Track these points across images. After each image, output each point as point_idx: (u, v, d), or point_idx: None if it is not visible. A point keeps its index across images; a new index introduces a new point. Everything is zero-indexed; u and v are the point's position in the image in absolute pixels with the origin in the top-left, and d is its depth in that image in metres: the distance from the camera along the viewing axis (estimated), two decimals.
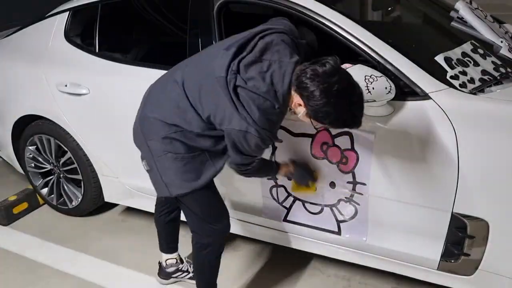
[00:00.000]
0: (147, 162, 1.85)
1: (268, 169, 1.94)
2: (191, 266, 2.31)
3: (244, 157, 1.72)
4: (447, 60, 1.84)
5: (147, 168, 1.87)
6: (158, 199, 2.20)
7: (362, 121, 1.56)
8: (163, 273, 2.32)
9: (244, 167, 1.77)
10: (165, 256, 2.30)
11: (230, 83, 1.59)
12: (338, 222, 2.05)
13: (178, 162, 1.76)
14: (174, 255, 2.30)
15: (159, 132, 1.76)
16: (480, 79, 1.82)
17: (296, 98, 1.58)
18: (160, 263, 2.33)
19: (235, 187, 2.25)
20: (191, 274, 2.30)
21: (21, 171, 3.11)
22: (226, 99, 1.59)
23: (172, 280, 2.34)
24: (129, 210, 2.94)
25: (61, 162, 2.83)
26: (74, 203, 2.89)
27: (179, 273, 2.32)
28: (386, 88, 1.68)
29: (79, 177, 2.78)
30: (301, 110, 1.58)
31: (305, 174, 1.98)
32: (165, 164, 1.78)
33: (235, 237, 2.43)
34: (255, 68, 1.60)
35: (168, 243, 2.28)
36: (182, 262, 2.33)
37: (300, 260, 2.46)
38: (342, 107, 1.50)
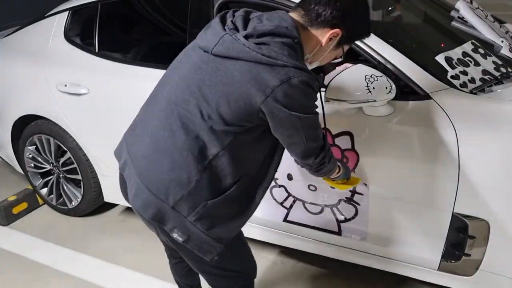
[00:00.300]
0: (181, 230, 1.39)
1: (335, 161, 1.59)
2: None
3: (316, 125, 1.38)
4: (448, 59, 1.84)
5: (183, 238, 1.40)
6: None
7: None
8: None
9: (320, 153, 1.43)
10: None
11: (237, 36, 1.30)
12: (339, 222, 2.05)
13: (221, 205, 1.38)
14: None
15: (182, 185, 1.35)
16: (481, 79, 1.82)
17: (326, 34, 1.38)
18: None
19: None
20: None
21: (21, 171, 3.11)
22: (243, 58, 1.27)
23: None
24: (129, 210, 2.94)
25: (60, 162, 2.83)
26: (74, 203, 2.89)
27: None
28: (386, 88, 1.68)
29: (79, 177, 2.78)
30: (334, 42, 1.41)
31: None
32: (208, 217, 1.38)
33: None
34: (251, 22, 1.38)
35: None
36: None
37: (300, 260, 2.46)
38: (366, 8, 1.45)
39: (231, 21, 1.37)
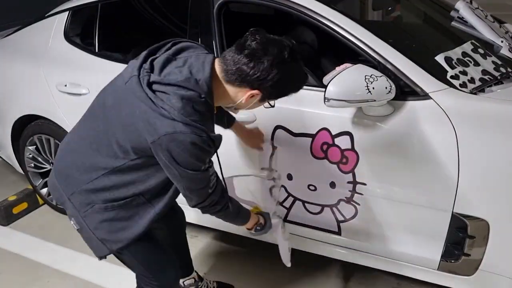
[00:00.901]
0: (75, 220, 1.60)
1: (239, 211, 1.68)
2: (212, 282, 2.23)
3: (197, 180, 1.45)
4: (448, 60, 1.84)
5: (77, 227, 1.62)
6: None
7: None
8: None
9: (208, 199, 1.51)
10: (182, 279, 2.13)
11: (144, 80, 1.39)
12: (338, 222, 2.05)
13: (108, 212, 1.54)
14: (191, 276, 2.16)
15: (78, 183, 1.55)
16: (481, 79, 1.82)
17: (245, 93, 1.41)
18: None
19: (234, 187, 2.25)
20: None
21: (21, 171, 3.11)
22: (142, 100, 1.36)
23: None
24: None
25: None
26: None
27: None
28: (386, 88, 1.68)
29: None
30: (255, 99, 1.44)
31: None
32: (94, 218, 1.56)
33: (235, 236, 2.43)
34: (170, 65, 1.43)
35: (181, 268, 2.03)
36: (201, 280, 2.20)
37: (300, 260, 2.46)
38: (296, 69, 1.43)
39: (152, 61, 1.45)
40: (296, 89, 1.48)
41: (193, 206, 1.54)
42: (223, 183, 1.61)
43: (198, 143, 1.34)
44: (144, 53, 1.50)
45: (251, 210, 1.80)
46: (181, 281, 2.15)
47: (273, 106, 1.55)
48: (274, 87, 1.40)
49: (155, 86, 1.38)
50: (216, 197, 1.53)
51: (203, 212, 1.57)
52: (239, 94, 1.43)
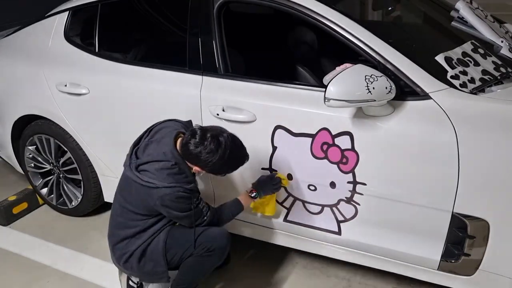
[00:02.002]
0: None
1: (230, 211, 2.06)
2: None
3: (187, 214, 1.90)
4: (448, 59, 1.84)
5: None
6: None
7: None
8: None
9: (205, 222, 1.97)
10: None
11: (132, 166, 1.90)
12: (339, 222, 2.05)
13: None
14: None
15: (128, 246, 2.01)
16: (481, 79, 1.82)
17: (194, 167, 1.89)
18: None
19: (234, 187, 2.25)
20: None
21: (21, 171, 3.11)
22: (136, 181, 1.87)
23: None
24: None
25: (60, 162, 2.83)
26: (74, 203, 2.89)
27: None
28: (386, 88, 1.68)
29: (79, 177, 2.78)
30: (203, 171, 1.90)
31: (267, 181, 2.06)
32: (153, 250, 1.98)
33: (235, 237, 2.43)
34: (148, 148, 1.94)
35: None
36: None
37: (300, 260, 2.46)
38: (234, 155, 1.85)
39: (135, 151, 1.97)
40: (231, 170, 1.94)
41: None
42: (213, 209, 2.02)
43: (182, 195, 1.85)
44: (131, 146, 2.00)
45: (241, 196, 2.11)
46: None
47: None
48: (211, 171, 1.89)
49: (140, 167, 1.89)
50: (210, 218, 1.99)
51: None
52: (193, 168, 1.91)
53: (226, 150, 1.80)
